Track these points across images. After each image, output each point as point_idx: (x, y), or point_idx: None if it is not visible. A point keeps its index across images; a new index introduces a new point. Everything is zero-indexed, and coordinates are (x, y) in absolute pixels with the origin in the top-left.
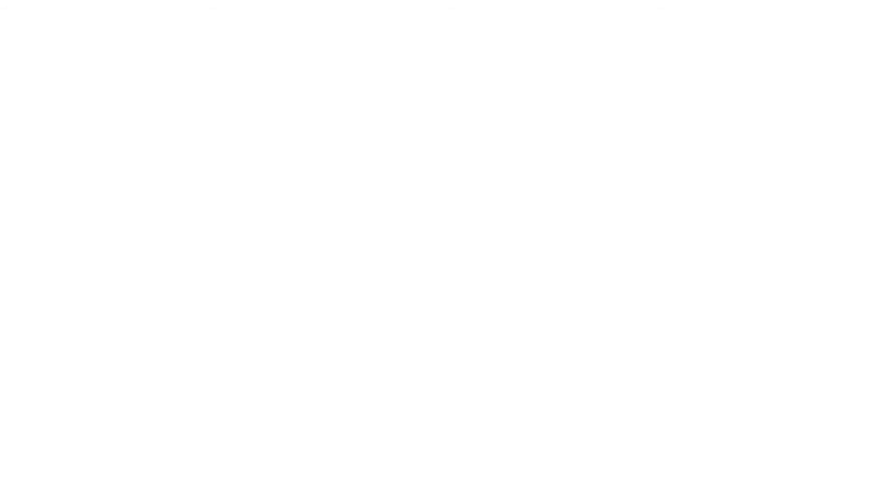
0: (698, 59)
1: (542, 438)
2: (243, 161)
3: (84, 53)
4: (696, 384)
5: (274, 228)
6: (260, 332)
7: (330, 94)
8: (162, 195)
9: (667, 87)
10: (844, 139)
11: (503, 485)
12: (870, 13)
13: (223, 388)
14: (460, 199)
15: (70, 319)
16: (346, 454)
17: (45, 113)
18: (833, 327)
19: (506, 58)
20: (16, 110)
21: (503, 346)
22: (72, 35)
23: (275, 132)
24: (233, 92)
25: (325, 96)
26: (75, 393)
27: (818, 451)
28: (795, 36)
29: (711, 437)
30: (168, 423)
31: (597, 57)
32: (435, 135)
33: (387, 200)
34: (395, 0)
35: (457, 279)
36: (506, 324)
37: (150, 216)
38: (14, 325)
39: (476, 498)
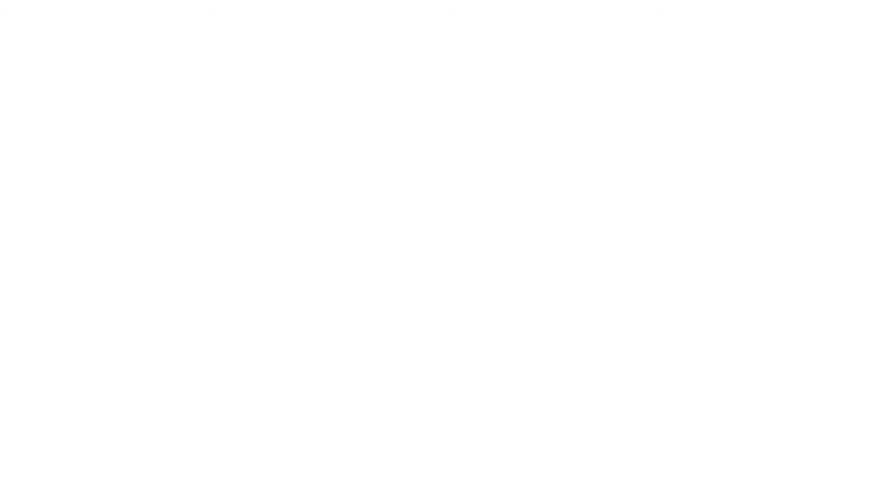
0: (698, 59)
1: (542, 438)
2: (243, 161)
3: (84, 53)
4: (696, 384)
5: (274, 228)
6: (260, 331)
7: (330, 94)
8: (162, 195)
9: (667, 87)
10: (844, 139)
11: (502, 484)
12: (870, 13)
13: (223, 388)
14: (460, 199)
15: (70, 319)
16: (345, 454)
17: (45, 113)
18: (833, 327)
19: (506, 58)
20: (16, 110)
21: (502, 345)
22: (72, 35)
23: (275, 132)
24: (233, 92)
25: (325, 96)
26: (75, 393)
27: (818, 451)
28: (795, 36)
29: (711, 437)
30: (168, 422)
31: (597, 57)
32: (435, 135)
33: (387, 200)
34: (395, 0)
35: (456, 279)
36: (505, 323)
37: (151, 216)
38: (14, 326)
39: (476, 498)
